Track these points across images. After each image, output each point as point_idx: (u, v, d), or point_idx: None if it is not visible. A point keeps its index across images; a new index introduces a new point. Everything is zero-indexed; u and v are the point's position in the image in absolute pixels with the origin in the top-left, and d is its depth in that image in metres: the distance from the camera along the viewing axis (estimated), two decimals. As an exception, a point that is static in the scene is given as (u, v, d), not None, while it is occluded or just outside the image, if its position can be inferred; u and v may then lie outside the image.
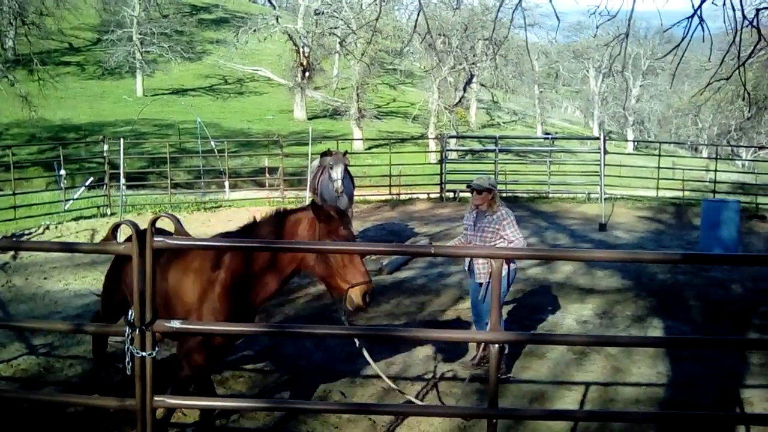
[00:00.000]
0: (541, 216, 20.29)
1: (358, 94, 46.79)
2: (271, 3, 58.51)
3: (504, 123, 68.94)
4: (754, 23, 7.99)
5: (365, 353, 6.80)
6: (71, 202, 20.17)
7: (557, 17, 8.44)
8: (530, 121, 73.47)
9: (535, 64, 68.28)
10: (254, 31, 53.04)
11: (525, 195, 23.97)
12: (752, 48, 9.31)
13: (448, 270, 13.31)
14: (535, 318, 10.71)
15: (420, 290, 12.11)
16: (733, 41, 7.83)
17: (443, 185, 23.43)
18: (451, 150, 28.37)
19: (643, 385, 8.18)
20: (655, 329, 10.29)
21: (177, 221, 5.69)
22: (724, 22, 7.81)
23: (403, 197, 23.32)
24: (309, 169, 16.87)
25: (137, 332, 5.34)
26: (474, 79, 51.23)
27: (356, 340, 6.86)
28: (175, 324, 5.56)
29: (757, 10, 8.13)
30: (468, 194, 22.21)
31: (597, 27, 10.03)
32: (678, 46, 8.44)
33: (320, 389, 7.94)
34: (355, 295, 5.86)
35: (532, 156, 32.25)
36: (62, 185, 20.21)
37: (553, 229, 18.37)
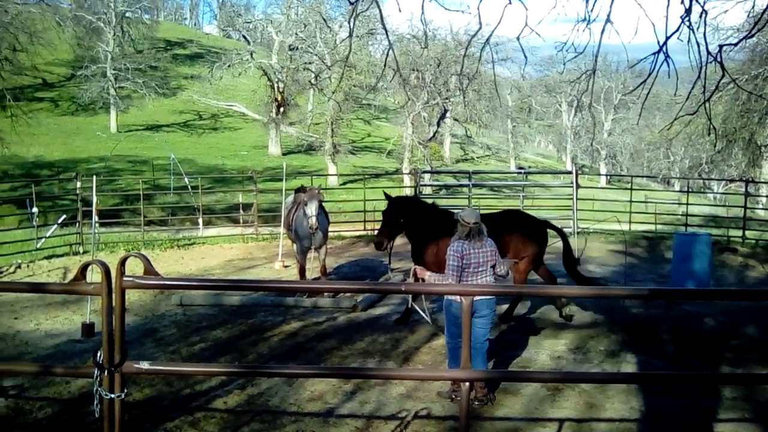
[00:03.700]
0: (515, 250, 20.34)
1: (332, 129, 46.97)
2: (245, 38, 58.74)
3: (478, 157, 69.41)
4: (718, 59, 8.10)
5: None
6: (43, 240, 19.99)
7: (525, 55, 8.52)
8: (504, 155, 74.03)
9: (508, 98, 68.99)
10: (229, 66, 53.30)
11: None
12: (717, 83, 9.46)
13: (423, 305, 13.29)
14: (510, 354, 10.71)
15: (394, 327, 12.08)
16: (699, 77, 7.93)
17: (418, 220, 23.40)
18: (425, 185, 28.47)
19: (617, 420, 8.19)
20: (628, 364, 10.32)
21: (146, 261, 5.68)
22: (689, 57, 7.92)
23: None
24: (283, 205, 16.86)
25: (106, 374, 5.30)
26: (447, 114, 51.62)
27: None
28: (144, 365, 5.53)
29: (720, 47, 8.24)
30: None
31: (564, 63, 10.15)
32: (645, 81, 8.54)
33: (293, 429, 7.88)
34: None
35: (505, 190, 32.46)
36: (34, 223, 20.05)
37: (526, 264, 18.42)
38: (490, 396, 8.67)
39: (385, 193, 12.34)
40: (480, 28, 8.75)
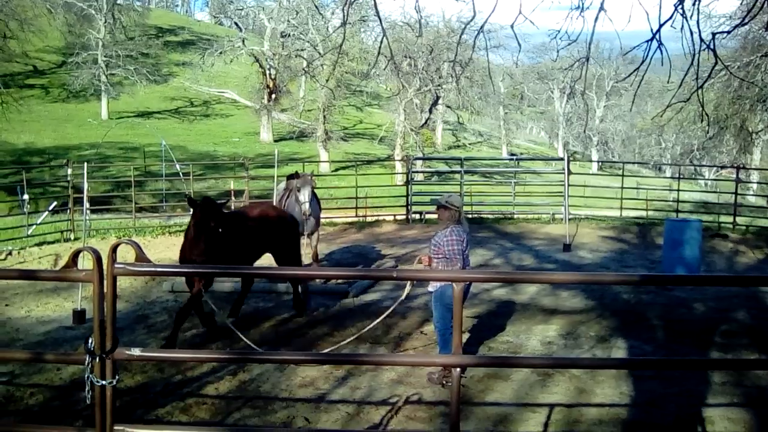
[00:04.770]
0: (506, 237, 20.40)
1: (324, 116, 46.89)
2: (237, 25, 58.56)
3: (470, 144, 69.34)
4: (711, 46, 8.11)
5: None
6: (34, 227, 19.94)
7: (519, 43, 8.50)
8: (496, 142, 73.98)
9: (500, 85, 68.89)
10: (220, 53, 53.11)
11: (490, 216, 24.06)
12: (710, 70, 9.47)
13: (414, 292, 13.26)
14: (500, 339, 10.74)
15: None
16: (692, 64, 7.94)
17: (409, 207, 23.46)
18: (417, 171, 28.45)
19: (607, 405, 8.23)
20: (619, 349, 10.36)
21: (138, 247, 5.68)
22: (682, 46, 7.93)
23: (369, 219, 23.31)
24: (275, 192, 16.84)
25: (97, 360, 5.30)
26: (440, 101, 51.50)
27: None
28: (136, 352, 5.53)
29: (713, 34, 8.25)
30: (434, 216, 22.43)
31: (558, 51, 10.13)
32: (638, 68, 8.55)
33: (284, 414, 7.90)
34: None
35: (497, 177, 32.46)
36: (25, 210, 19.98)
37: (518, 250, 18.47)
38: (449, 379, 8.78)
39: (190, 198, 10.79)
40: (474, 16, 8.74)
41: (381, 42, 9.67)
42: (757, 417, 7.91)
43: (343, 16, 9.03)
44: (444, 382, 8.55)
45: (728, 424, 7.74)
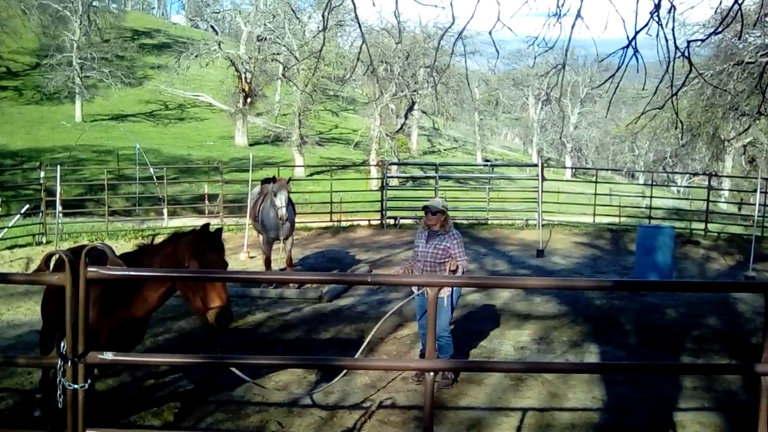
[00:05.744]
0: (480, 242, 20.46)
1: (300, 121, 46.87)
2: (213, 28, 58.42)
3: (445, 150, 69.53)
4: (686, 54, 8.17)
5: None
6: (6, 230, 19.77)
7: (496, 49, 8.54)
8: (470, 147, 74.21)
9: (476, 91, 69.10)
10: (196, 56, 52.95)
11: (464, 221, 24.13)
12: (684, 78, 9.55)
13: (388, 297, 13.31)
14: (474, 344, 10.77)
15: (360, 318, 12.10)
16: (666, 71, 8.00)
17: (384, 212, 23.47)
18: (392, 177, 28.51)
19: (579, 409, 8.27)
20: (591, 354, 10.42)
21: (111, 251, 5.66)
22: (658, 53, 7.98)
23: (344, 224, 23.32)
24: (249, 196, 16.79)
25: (69, 364, 5.27)
26: (415, 107, 51.67)
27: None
28: (108, 356, 5.50)
29: (689, 42, 8.32)
30: (408, 221, 22.35)
31: (535, 58, 10.16)
32: (613, 75, 8.60)
33: (257, 419, 7.88)
34: (211, 316, 6.28)
35: (471, 182, 32.55)
36: (-4, 212, 19.85)
37: (491, 255, 18.53)
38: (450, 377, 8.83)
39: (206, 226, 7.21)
40: (453, 23, 8.77)
41: (360, 48, 9.65)
42: (727, 421, 7.98)
43: (323, 21, 9.03)
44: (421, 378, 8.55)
45: (699, 428, 7.80)
